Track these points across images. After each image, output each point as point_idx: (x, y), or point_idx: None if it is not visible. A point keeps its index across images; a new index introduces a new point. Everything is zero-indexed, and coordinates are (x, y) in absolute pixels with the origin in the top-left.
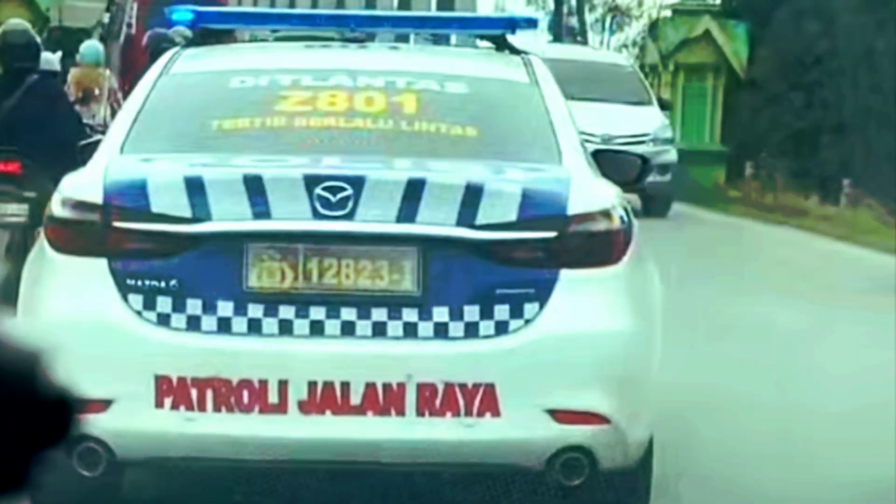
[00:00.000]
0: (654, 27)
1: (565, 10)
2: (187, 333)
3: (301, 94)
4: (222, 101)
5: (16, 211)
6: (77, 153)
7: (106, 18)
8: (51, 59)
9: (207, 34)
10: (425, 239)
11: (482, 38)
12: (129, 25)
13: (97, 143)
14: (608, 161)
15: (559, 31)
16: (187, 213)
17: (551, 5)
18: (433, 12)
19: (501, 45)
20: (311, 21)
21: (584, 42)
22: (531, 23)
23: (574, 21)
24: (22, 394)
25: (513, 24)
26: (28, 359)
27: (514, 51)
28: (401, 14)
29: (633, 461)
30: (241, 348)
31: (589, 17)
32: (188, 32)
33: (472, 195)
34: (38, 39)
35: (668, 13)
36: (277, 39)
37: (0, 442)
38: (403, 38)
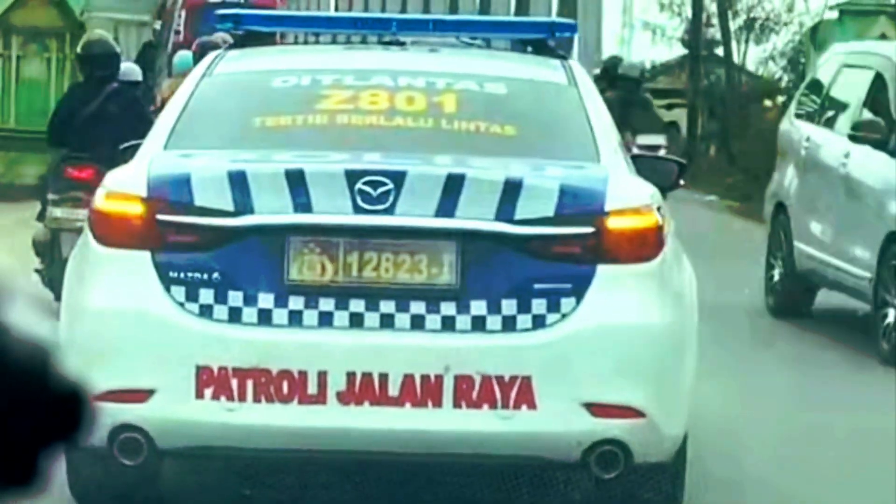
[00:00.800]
0: (815, 32)
1: (704, 17)
2: (229, 325)
3: (342, 93)
4: (264, 99)
5: (87, 216)
6: (119, 154)
7: (157, 25)
8: (132, 70)
9: (250, 37)
10: (464, 233)
11: (523, 42)
12: (178, 33)
13: (138, 145)
14: (646, 165)
15: (696, 42)
16: (230, 207)
17: (688, 12)
18: (477, 16)
19: (541, 48)
20: (352, 24)
21: (728, 54)
22: (570, 28)
23: (712, 32)
24: (32, 387)
25: (552, 29)
26: (39, 352)
27: (554, 54)
28: (443, 18)
29: (669, 455)
30: (282, 340)
31: (731, 25)
32: (230, 39)
33: (511, 190)
34: (118, 50)
35: (833, 14)
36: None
37: (11, 436)
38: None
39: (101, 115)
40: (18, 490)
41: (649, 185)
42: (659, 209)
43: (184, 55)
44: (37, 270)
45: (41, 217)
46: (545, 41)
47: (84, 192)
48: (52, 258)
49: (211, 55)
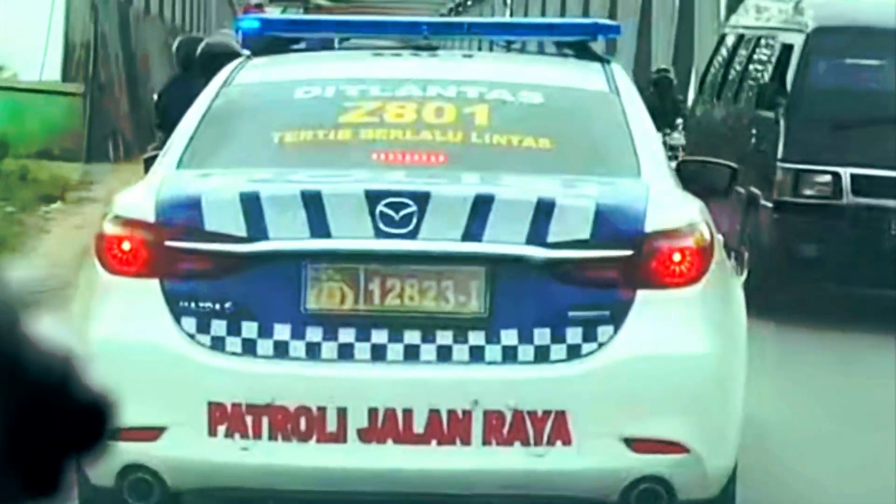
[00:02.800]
0: None
1: None
2: (242, 358)
3: (367, 105)
4: (285, 112)
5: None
6: (143, 166)
7: None
8: None
9: (276, 43)
10: (493, 258)
11: (563, 45)
12: None
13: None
14: (694, 172)
15: None
16: (242, 232)
17: None
18: (514, 19)
19: (582, 51)
20: (380, 28)
21: None
22: (614, 29)
23: None
24: (56, 396)
25: (595, 30)
26: (62, 361)
27: (595, 58)
28: (477, 20)
29: (714, 492)
30: (299, 374)
31: None
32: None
33: (544, 211)
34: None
35: None
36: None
37: (31, 445)
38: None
39: None
40: (40, 499)
41: (695, 200)
42: (705, 228)
43: None
44: None
45: None
46: (586, 43)
47: None
48: None
49: (233, 63)
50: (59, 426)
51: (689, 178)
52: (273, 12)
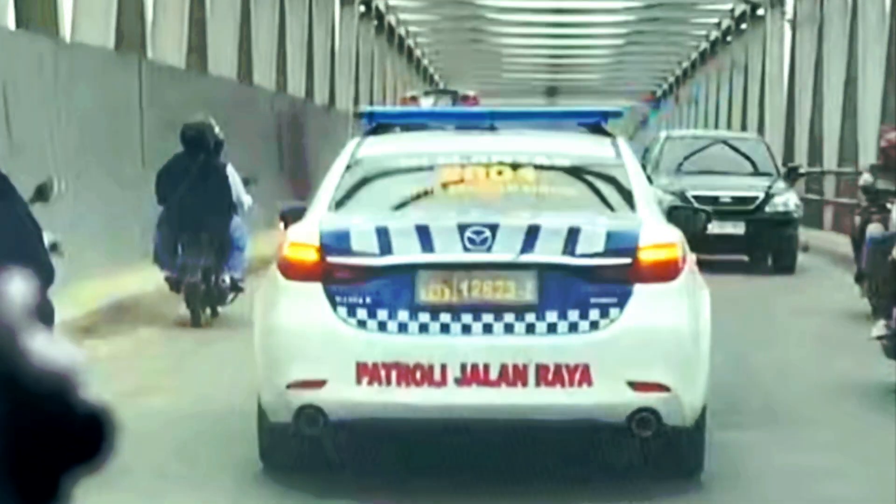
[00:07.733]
0: None
1: None
2: (378, 333)
3: (452, 169)
4: (397, 174)
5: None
6: (279, 215)
7: None
8: None
9: (382, 127)
10: (541, 265)
11: (583, 125)
12: None
13: (298, 208)
14: (681, 214)
15: None
16: (377, 251)
17: None
18: (548, 108)
19: (596, 129)
20: (457, 117)
21: None
22: (617, 115)
23: None
24: (55, 413)
25: (604, 116)
26: (61, 379)
27: (607, 134)
28: (526, 110)
29: (691, 422)
30: (415, 343)
31: None
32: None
33: (573, 235)
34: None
35: None
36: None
37: (34, 461)
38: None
39: None
40: None
41: (674, 228)
42: (680, 245)
43: None
44: None
45: None
46: (599, 124)
47: None
48: None
49: (354, 140)
50: (56, 441)
51: (675, 218)
52: (426, 102)
